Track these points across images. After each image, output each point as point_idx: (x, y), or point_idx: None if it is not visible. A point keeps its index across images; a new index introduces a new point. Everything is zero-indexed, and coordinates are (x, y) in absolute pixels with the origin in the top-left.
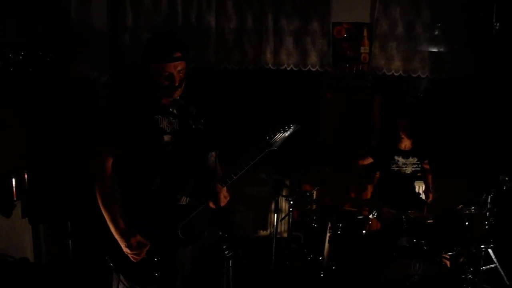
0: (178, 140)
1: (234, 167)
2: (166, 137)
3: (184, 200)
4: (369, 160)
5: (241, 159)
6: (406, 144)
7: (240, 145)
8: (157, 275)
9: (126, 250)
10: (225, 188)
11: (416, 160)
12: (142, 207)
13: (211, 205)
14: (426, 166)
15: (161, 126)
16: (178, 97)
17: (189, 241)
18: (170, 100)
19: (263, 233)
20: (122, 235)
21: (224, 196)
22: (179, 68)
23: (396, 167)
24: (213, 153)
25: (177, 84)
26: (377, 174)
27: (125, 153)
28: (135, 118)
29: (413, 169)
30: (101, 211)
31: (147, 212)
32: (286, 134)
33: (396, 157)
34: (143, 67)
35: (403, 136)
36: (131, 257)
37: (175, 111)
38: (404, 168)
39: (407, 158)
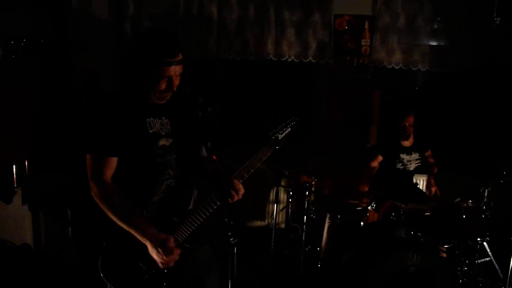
0: (177, 140)
1: (241, 169)
2: (162, 141)
3: (191, 204)
4: (379, 159)
5: (247, 161)
6: (409, 140)
7: (240, 138)
8: (165, 285)
9: (162, 258)
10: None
11: (418, 155)
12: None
13: (230, 200)
14: (431, 160)
15: (154, 129)
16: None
17: (194, 248)
18: (161, 101)
19: (260, 223)
20: (157, 242)
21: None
22: (179, 72)
23: (402, 165)
24: (203, 146)
25: (174, 89)
26: (374, 165)
27: (121, 164)
28: (127, 125)
29: (416, 165)
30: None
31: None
32: (289, 130)
33: (401, 155)
34: (133, 64)
35: (409, 133)
36: (163, 263)
37: (166, 109)
38: (408, 166)
39: (410, 154)
